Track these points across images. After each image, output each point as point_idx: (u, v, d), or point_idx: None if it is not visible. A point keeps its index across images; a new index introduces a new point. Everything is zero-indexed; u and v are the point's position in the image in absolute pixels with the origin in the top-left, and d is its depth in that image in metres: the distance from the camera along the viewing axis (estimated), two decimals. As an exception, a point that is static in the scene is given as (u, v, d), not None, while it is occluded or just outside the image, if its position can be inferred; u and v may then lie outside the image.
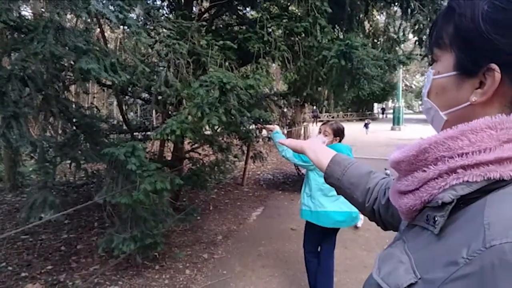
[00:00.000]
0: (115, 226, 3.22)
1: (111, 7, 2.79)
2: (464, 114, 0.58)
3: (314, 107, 30.72)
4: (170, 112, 4.38)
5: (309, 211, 2.98)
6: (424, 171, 0.57)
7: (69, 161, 3.68)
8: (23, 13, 2.95)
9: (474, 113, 0.56)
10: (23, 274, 3.55)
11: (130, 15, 3.28)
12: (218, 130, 3.42)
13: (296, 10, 4.29)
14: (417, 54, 5.37)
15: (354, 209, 2.92)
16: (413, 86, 48.22)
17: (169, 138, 2.82)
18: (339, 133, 2.93)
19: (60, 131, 3.47)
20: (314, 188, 2.96)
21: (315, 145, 1.10)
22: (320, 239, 3.07)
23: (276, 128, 3.07)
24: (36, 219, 2.73)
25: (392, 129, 23.06)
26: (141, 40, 2.88)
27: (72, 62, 2.86)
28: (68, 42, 2.55)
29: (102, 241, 3.14)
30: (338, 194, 1.03)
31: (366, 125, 20.21)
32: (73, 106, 3.41)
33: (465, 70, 0.57)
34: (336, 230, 3.05)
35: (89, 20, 3.30)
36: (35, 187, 3.06)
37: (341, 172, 0.99)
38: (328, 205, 2.88)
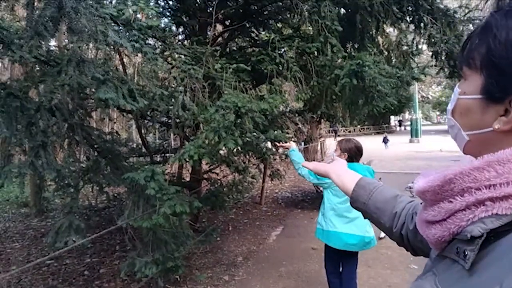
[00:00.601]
0: (137, 250, 3.27)
1: (128, 36, 2.93)
2: (487, 138, 0.57)
3: (334, 123, 30.76)
4: (187, 135, 4.47)
5: (321, 230, 2.96)
6: (451, 202, 0.56)
7: (91, 185, 3.80)
8: (49, 46, 3.12)
9: (497, 139, 0.55)
10: (48, 300, 3.62)
11: (148, 41, 3.42)
12: (235, 151, 3.47)
13: (308, 30, 4.36)
14: (432, 66, 5.34)
15: (368, 234, 2.82)
16: (430, 97, 47.52)
17: (188, 162, 2.88)
18: (347, 150, 2.86)
19: (83, 157, 3.59)
20: (327, 207, 2.93)
21: (340, 169, 1.08)
22: (340, 259, 3.02)
23: (292, 146, 3.09)
24: (61, 243, 2.81)
25: (411, 141, 22.72)
26: (157, 65, 3.00)
27: (93, 91, 3.00)
28: (88, 74, 2.68)
29: (125, 265, 3.19)
30: (365, 218, 1.01)
31: (385, 140, 19.35)
32: (95, 132, 3.53)
33: (491, 96, 0.55)
34: (356, 251, 2.98)
35: (108, 49, 3.44)
36: (60, 212, 3.16)
37: (367, 197, 0.97)
38: (340, 226, 2.83)
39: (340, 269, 3.06)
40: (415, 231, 0.87)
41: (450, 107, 0.65)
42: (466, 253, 0.52)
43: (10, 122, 2.49)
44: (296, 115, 6.58)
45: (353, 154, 2.89)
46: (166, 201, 2.92)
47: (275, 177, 6.18)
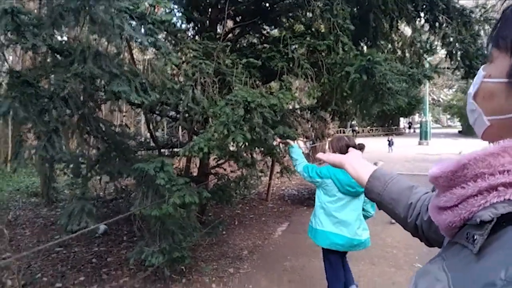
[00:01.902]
0: (145, 239, 3.33)
1: (142, 31, 2.98)
2: (509, 124, 0.56)
3: (353, 122, 30.89)
4: (195, 129, 4.52)
5: (311, 227, 2.98)
6: (463, 187, 0.54)
7: (99, 177, 3.88)
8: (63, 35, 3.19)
9: None
10: (57, 285, 3.69)
11: (160, 35, 3.46)
12: (243, 147, 3.50)
13: (320, 27, 4.37)
14: (445, 68, 5.30)
15: (358, 237, 2.80)
16: (441, 100, 46.96)
17: (197, 154, 2.92)
18: (337, 149, 2.80)
19: (94, 148, 3.66)
20: (317, 205, 2.95)
21: (355, 160, 1.07)
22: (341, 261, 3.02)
23: (300, 143, 3.12)
24: (74, 226, 2.90)
25: (420, 143, 22.53)
26: (171, 59, 3.04)
27: (104, 83, 3.06)
28: (103, 66, 2.73)
29: (133, 253, 3.26)
30: (379, 209, 1.02)
31: (390, 143, 17.85)
32: (106, 124, 3.60)
33: None
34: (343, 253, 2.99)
35: (119, 42, 3.50)
36: (71, 198, 3.24)
37: (382, 188, 0.96)
38: (327, 225, 2.83)
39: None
40: (430, 221, 0.87)
41: (472, 90, 0.62)
42: (475, 237, 0.51)
43: (25, 109, 2.56)
44: (308, 112, 6.54)
45: (344, 154, 2.85)
46: (175, 191, 2.97)
47: (285, 173, 6.14)
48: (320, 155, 1.22)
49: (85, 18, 2.47)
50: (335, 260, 2.95)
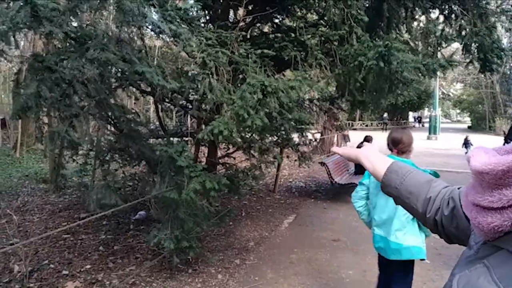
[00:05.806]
0: (157, 226, 3.37)
1: (155, 18, 2.93)
2: None
3: (385, 115, 30.54)
4: (204, 118, 4.47)
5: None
6: None
7: (107, 165, 3.89)
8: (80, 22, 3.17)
9: None
10: (64, 272, 3.71)
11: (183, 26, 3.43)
12: (257, 133, 3.47)
13: (333, 17, 4.27)
14: (459, 62, 5.17)
15: (394, 238, 2.42)
16: (451, 94, 46.36)
17: (217, 138, 2.87)
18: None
19: (108, 134, 3.68)
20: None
21: (371, 153, 1.03)
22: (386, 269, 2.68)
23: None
24: (111, 201, 3.09)
25: (428, 138, 22.27)
26: (191, 44, 2.99)
27: (117, 69, 3.04)
28: (124, 53, 2.71)
29: (150, 237, 3.32)
30: (396, 204, 0.97)
31: (466, 143, 13.77)
32: (121, 110, 3.62)
33: None
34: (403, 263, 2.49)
35: (138, 29, 3.47)
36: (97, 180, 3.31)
37: (399, 181, 0.92)
38: (373, 226, 2.61)
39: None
40: (451, 216, 0.83)
41: None
42: None
43: (51, 93, 2.56)
44: (327, 102, 6.35)
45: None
46: (194, 177, 2.98)
47: (303, 161, 5.97)
48: (335, 149, 1.17)
49: (112, 6, 2.44)
50: (378, 264, 2.74)
